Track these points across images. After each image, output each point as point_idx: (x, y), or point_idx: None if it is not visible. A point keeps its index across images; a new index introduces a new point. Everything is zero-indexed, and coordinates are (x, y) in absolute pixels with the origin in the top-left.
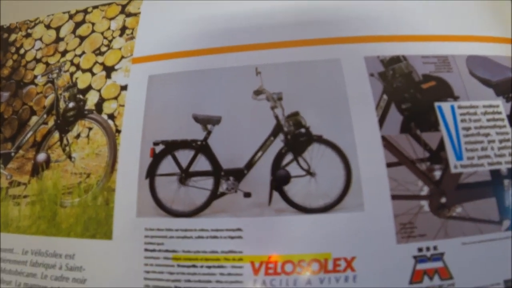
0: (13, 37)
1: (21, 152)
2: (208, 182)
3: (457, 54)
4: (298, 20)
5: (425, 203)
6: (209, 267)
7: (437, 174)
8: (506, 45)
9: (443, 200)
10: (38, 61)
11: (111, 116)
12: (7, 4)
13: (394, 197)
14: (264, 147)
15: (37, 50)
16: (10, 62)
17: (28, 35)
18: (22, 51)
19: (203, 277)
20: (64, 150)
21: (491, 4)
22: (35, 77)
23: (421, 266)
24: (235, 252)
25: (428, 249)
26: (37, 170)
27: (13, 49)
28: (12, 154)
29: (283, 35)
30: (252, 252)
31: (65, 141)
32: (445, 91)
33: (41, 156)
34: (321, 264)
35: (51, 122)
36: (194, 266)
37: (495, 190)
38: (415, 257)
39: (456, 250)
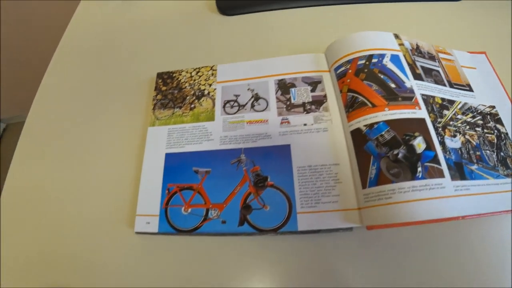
0: (174, 74)
1: (184, 105)
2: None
3: (299, 76)
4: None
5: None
6: None
7: (288, 102)
8: (321, 72)
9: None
10: (185, 82)
11: (212, 94)
12: (175, 60)
13: None
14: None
15: (185, 78)
16: (175, 81)
17: (180, 74)
18: (179, 79)
19: None
20: (199, 103)
21: (315, 57)
22: (185, 86)
23: None
24: None
25: None
26: (192, 108)
27: (175, 78)
28: (180, 106)
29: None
30: None
31: (200, 101)
32: (292, 85)
33: (193, 104)
34: None
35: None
36: None
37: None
38: None
39: None
